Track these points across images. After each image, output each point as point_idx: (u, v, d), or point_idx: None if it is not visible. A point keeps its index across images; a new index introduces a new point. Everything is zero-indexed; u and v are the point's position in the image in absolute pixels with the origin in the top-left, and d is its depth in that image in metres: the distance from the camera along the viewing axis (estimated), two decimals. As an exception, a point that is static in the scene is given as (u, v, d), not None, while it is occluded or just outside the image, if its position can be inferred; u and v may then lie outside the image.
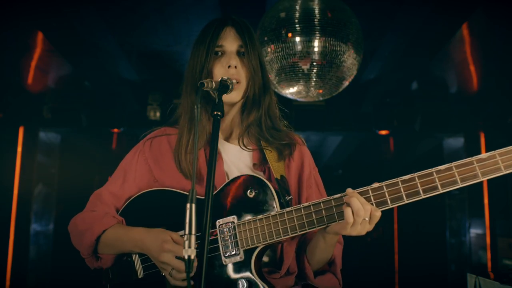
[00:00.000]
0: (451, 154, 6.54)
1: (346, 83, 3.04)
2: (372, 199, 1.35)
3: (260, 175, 1.52)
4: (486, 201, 5.66)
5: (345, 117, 6.00)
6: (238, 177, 1.49)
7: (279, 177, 1.56)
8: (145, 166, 1.65)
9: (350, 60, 2.84)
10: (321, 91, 3.00)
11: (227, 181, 1.51)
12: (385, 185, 1.35)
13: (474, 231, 5.88)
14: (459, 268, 6.21)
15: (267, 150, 1.61)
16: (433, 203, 8.00)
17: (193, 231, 1.06)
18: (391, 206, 1.35)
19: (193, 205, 1.08)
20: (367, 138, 7.25)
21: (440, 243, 6.74)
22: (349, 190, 1.36)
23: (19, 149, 5.75)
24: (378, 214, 1.33)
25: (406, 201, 1.33)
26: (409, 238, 8.18)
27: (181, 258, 1.40)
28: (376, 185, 1.36)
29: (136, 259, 1.55)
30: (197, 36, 1.64)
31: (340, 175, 10.22)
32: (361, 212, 1.30)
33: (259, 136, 1.61)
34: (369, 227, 1.35)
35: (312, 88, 2.95)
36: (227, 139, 1.66)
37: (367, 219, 1.32)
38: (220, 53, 1.57)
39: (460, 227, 6.28)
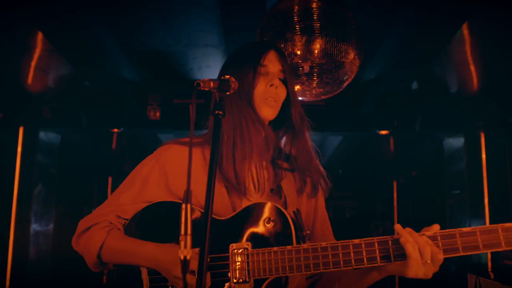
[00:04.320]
0: (451, 154, 6.54)
1: (347, 83, 3.03)
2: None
3: (279, 205, 1.51)
4: (486, 201, 5.66)
5: (345, 117, 6.01)
6: (259, 204, 1.47)
7: (295, 210, 1.56)
8: (163, 176, 1.59)
9: (350, 60, 2.84)
10: (321, 91, 3.00)
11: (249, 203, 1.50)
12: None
13: (474, 231, 5.86)
14: (459, 268, 6.20)
15: (285, 179, 1.64)
16: (433, 203, 8.00)
17: (189, 231, 1.05)
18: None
19: (189, 205, 1.07)
20: (367, 138, 7.25)
21: (440, 243, 6.72)
22: (398, 226, 1.36)
23: (19, 149, 5.75)
24: (440, 257, 1.32)
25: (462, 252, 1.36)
26: (409, 238, 8.17)
27: (194, 274, 1.34)
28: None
29: (144, 269, 1.51)
30: (234, 53, 1.71)
31: (340, 175, 10.23)
32: (424, 249, 1.31)
33: (293, 166, 1.65)
34: (434, 269, 1.33)
35: (312, 88, 2.95)
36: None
37: (429, 261, 1.31)
38: (263, 73, 1.63)
39: (460, 227, 6.27)
